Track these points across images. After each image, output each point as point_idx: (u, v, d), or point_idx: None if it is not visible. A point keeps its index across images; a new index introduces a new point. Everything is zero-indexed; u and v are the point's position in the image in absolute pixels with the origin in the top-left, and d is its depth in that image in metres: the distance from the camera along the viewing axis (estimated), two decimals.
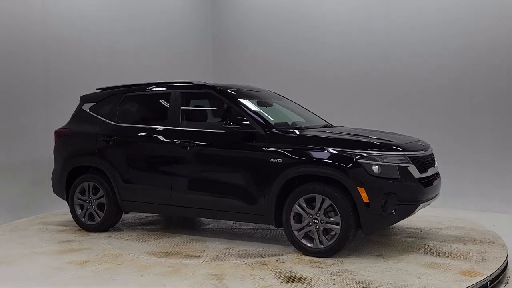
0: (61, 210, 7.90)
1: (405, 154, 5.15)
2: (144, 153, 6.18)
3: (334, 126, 6.27)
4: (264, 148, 5.41)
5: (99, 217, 6.44)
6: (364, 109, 8.57)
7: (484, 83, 7.77)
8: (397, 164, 5.06)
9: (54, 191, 6.98)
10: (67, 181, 6.68)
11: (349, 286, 4.32)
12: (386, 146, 5.15)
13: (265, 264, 5.00)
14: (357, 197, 4.95)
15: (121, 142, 6.31)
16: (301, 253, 5.28)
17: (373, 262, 5.01)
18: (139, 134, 6.23)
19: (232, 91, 6.04)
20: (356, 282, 4.41)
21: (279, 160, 5.30)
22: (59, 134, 6.85)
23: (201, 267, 4.95)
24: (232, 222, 6.88)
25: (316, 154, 5.18)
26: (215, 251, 5.50)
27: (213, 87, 6.04)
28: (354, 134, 5.55)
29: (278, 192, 5.32)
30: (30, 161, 7.70)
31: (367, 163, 4.99)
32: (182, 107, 6.10)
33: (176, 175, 5.93)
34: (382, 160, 5.02)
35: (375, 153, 5.04)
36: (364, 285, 4.33)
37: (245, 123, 5.50)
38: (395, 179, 5.03)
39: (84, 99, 6.91)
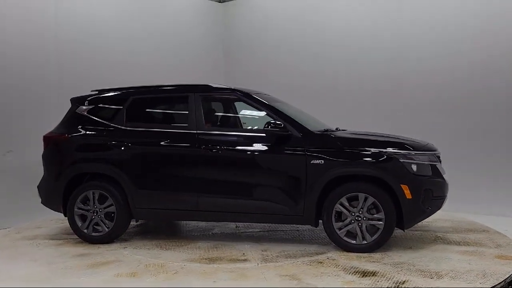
0: (30, 223, 7.30)
1: (434, 153, 5.65)
2: (163, 158, 5.93)
3: (343, 130, 6.53)
4: (303, 150, 5.54)
5: (107, 228, 6.03)
6: (367, 115, 8.77)
7: (496, 87, 7.76)
8: (429, 163, 5.53)
9: (43, 202, 6.37)
10: (64, 190, 6.14)
11: (424, 276, 4.65)
12: (418, 146, 5.60)
13: (321, 262, 5.14)
14: (400, 194, 5.32)
15: (135, 147, 5.98)
16: (342, 250, 5.50)
17: (415, 253, 5.40)
18: (156, 138, 5.96)
19: (257, 94, 6.07)
20: (424, 272, 4.75)
21: (321, 162, 5.47)
22: (51, 139, 6.27)
23: (264, 269, 4.94)
24: (235, 226, 6.87)
25: (359, 155, 5.45)
26: (256, 254, 5.49)
27: (237, 90, 6.02)
28: (384, 136, 5.91)
29: (319, 192, 5.49)
30: None
31: (407, 162, 5.38)
32: (204, 110, 5.98)
33: (204, 180, 5.79)
34: (418, 159, 5.46)
35: (412, 152, 5.46)
36: (434, 274, 4.69)
37: (283, 126, 5.59)
38: (428, 176, 5.49)
39: (78, 101, 6.41)
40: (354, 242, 5.46)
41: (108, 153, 6.02)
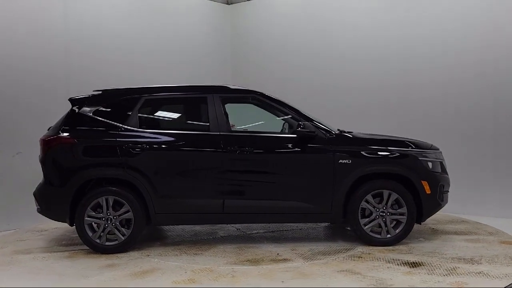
0: (4, 236, 6.63)
1: (440, 152, 6.18)
2: (186, 161, 5.75)
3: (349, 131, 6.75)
4: (331, 150, 5.74)
5: (123, 235, 5.68)
6: (370, 116, 8.81)
7: (505, 88, 7.67)
8: (439, 160, 6.05)
9: (41, 211, 5.82)
10: (73, 198, 5.67)
11: (465, 263, 5.10)
12: (428, 146, 6.09)
13: (361, 257, 5.37)
14: (421, 189, 5.76)
15: (154, 150, 5.71)
16: (367, 245, 5.78)
17: (432, 244, 5.86)
18: (177, 141, 5.76)
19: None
20: (461, 259, 5.21)
21: (349, 161, 5.72)
22: (54, 142, 5.72)
23: (316, 267, 5.05)
24: (236, 228, 6.85)
25: (385, 154, 5.80)
26: (291, 253, 5.56)
27: (258, 93, 6.04)
28: (398, 137, 6.27)
29: (347, 190, 5.74)
30: None
31: (424, 160, 5.85)
32: (225, 112, 5.91)
33: (230, 182, 5.72)
34: (432, 157, 5.95)
35: (427, 151, 5.94)
36: (470, 260, 5.17)
37: (311, 127, 5.74)
38: (439, 172, 6.01)
39: (81, 101, 5.93)
40: (379, 236, 5.79)
41: (125, 157, 5.67)
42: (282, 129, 6.36)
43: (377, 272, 4.85)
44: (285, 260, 5.33)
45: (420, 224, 6.07)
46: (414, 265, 5.06)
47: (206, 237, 6.44)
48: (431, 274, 4.76)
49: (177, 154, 5.76)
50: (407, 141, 6.03)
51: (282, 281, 4.65)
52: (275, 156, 5.80)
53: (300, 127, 5.69)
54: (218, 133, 5.77)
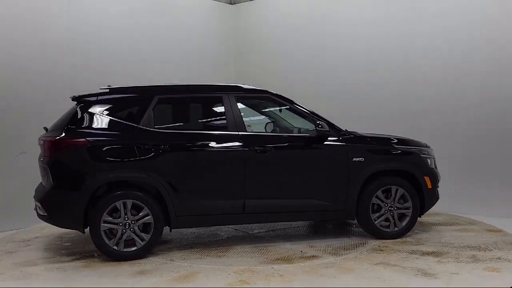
0: None
1: (432, 149, 6.66)
2: (207, 161, 5.62)
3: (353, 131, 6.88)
4: (345, 149, 5.95)
5: (142, 241, 5.43)
6: (377, 118, 8.77)
7: (509, 90, 7.60)
8: (432, 157, 6.52)
9: (48, 219, 5.39)
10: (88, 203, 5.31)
11: (479, 250, 5.57)
12: (424, 143, 6.54)
13: (382, 250, 5.64)
14: (424, 184, 6.17)
15: (173, 151, 5.51)
16: (377, 238, 6.07)
17: (433, 235, 6.29)
18: (197, 141, 5.63)
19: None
20: (471, 247, 5.67)
21: (361, 159, 5.98)
22: (63, 143, 5.31)
23: (351, 261, 5.22)
24: (234, 229, 6.81)
25: (394, 152, 6.14)
26: (314, 250, 5.69)
27: (272, 93, 6.07)
28: (399, 136, 6.60)
29: (360, 187, 5.99)
30: None
31: (425, 157, 6.29)
32: (242, 112, 5.88)
33: (251, 181, 5.68)
34: (429, 154, 6.40)
35: (424, 148, 6.38)
36: (479, 248, 5.65)
37: (326, 127, 5.90)
38: (433, 168, 6.48)
39: (88, 100, 5.55)
40: (388, 230, 6.11)
41: (143, 158, 5.41)
42: (274, 130, 6.50)
43: (411, 262, 5.14)
44: (314, 257, 5.43)
45: (420, 217, 6.49)
46: (435, 254, 5.42)
47: (212, 239, 6.34)
48: (459, 262, 5.14)
49: (198, 154, 5.63)
50: (408, 139, 6.42)
51: (334, 277, 4.76)
52: (295, 155, 5.89)
53: (319, 127, 5.82)
54: (238, 133, 5.72)
